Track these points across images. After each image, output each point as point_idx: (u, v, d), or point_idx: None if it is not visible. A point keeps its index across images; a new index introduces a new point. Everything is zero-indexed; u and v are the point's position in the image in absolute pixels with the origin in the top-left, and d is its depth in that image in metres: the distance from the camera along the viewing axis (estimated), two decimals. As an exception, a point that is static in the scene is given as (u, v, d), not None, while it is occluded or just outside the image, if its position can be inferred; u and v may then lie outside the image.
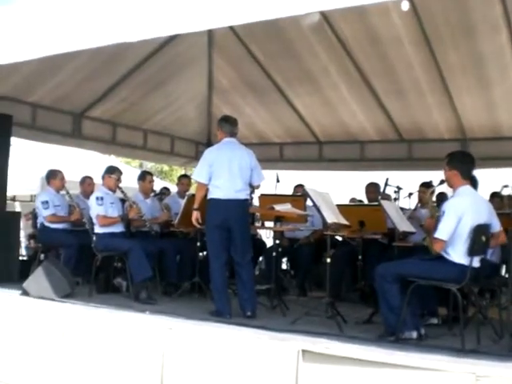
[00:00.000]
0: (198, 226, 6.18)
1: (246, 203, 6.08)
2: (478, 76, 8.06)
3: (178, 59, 9.16)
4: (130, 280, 6.78)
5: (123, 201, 7.49)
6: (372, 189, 8.00)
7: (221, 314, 5.76)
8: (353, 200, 8.93)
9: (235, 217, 5.93)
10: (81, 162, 11.13)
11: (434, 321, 5.79)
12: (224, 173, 5.94)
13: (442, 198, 6.48)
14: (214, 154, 6.10)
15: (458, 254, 4.85)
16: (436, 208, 5.57)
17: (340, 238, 8.13)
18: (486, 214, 4.99)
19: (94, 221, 7.03)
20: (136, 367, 5.03)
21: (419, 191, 7.35)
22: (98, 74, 8.63)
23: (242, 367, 4.60)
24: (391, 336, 4.95)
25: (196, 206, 6.09)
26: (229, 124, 6.21)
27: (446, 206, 4.95)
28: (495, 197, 7.31)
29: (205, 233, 7.14)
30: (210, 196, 6.02)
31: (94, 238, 7.00)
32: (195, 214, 6.08)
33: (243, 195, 6.03)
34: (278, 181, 7.69)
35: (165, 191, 9.13)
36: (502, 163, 9.20)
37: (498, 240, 5.19)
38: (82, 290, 6.93)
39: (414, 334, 4.97)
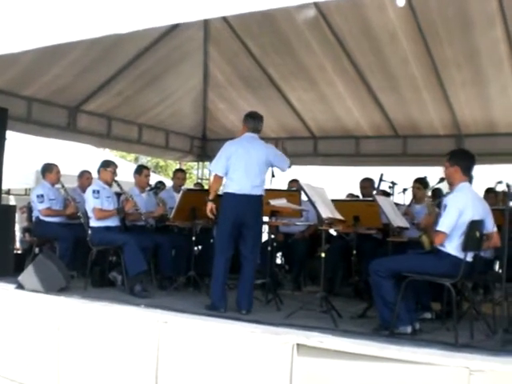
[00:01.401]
0: (212, 217, 6.13)
1: (260, 199, 6.04)
2: (473, 72, 8.07)
3: (174, 54, 9.17)
4: (124, 274, 6.79)
5: (118, 195, 7.49)
6: (366, 184, 8.02)
7: (216, 308, 5.78)
8: (350, 196, 8.95)
9: (250, 212, 5.92)
10: (76, 156, 11.11)
11: (428, 315, 5.82)
12: (241, 167, 5.92)
13: (438, 194, 6.50)
14: (233, 148, 6.04)
15: (452, 247, 4.91)
16: (433, 205, 5.60)
17: (335, 233, 8.16)
18: (482, 212, 5.04)
19: (90, 214, 7.03)
20: (131, 360, 5.03)
21: (413, 187, 7.38)
22: (94, 68, 8.63)
23: (237, 361, 4.61)
24: (385, 330, 4.98)
25: (211, 197, 6.03)
26: (253, 120, 6.18)
27: (448, 200, 5.00)
28: (490, 193, 7.34)
29: (201, 228, 7.22)
30: (225, 190, 6.01)
31: (90, 232, 7.02)
32: (210, 206, 6.00)
33: (259, 191, 6.00)
34: (273, 175, 7.66)
35: (160, 185, 9.13)
36: (497, 159, 9.23)
37: (491, 242, 5.19)
38: (78, 283, 6.92)
39: (409, 329, 5.00)
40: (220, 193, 6.28)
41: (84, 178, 8.52)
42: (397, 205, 7.25)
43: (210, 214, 6.05)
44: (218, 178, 6.05)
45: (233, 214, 5.89)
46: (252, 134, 6.14)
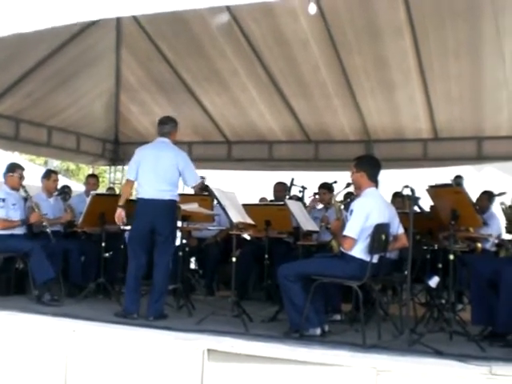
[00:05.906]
0: (121, 225, 6.10)
1: (170, 204, 5.93)
2: (382, 79, 8.30)
3: (85, 55, 8.97)
4: (31, 282, 6.58)
5: (26, 199, 7.24)
6: (280, 188, 8.13)
7: (129, 313, 5.74)
8: (263, 200, 9.01)
9: (159, 218, 5.86)
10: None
11: (338, 317, 5.94)
12: (149, 172, 5.90)
13: (350, 197, 6.65)
14: (142, 153, 6.06)
15: (357, 250, 5.02)
16: (341, 209, 5.71)
17: (248, 237, 8.20)
18: (388, 216, 5.19)
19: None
20: (39, 370, 4.90)
21: (319, 193, 7.53)
22: (1, 69, 8.32)
23: (148, 368, 4.57)
24: (295, 333, 5.04)
25: (121, 202, 5.96)
26: (158, 124, 6.18)
27: (355, 206, 5.11)
28: (397, 197, 7.55)
29: (111, 233, 7.11)
30: (137, 195, 6.02)
31: (-7, 240, 6.76)
32: (119, 212, 5.92)
33: (168, 195, 5.91)
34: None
35: (67, 190, 8.86)
36: (404, 164, 9.52)
37: (398, 243, 5.35)
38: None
39: (318, 331, 5.09)
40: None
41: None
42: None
43: (117, 221, 5.98)
44: (129, 182, 6.07)
45: (142, 219, 5.87)
46: (162, 139, 6.12)
